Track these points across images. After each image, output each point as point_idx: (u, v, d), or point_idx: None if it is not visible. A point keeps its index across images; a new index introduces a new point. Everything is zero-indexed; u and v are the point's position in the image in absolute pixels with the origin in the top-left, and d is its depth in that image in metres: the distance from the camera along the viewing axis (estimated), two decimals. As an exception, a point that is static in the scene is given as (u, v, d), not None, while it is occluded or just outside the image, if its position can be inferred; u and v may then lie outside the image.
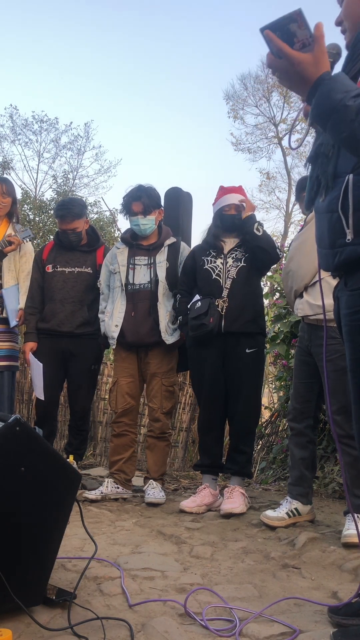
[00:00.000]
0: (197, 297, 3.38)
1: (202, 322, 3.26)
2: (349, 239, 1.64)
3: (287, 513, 2.95)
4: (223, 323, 3.26)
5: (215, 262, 3.38)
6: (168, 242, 3.61)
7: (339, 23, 1.76)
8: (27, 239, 3.86)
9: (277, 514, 2.96)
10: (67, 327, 3.72)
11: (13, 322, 3.78)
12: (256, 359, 3.31)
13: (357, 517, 2.60)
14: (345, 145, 1.52)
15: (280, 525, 2.91)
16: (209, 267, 3.39)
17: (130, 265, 3.55)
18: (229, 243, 3.40)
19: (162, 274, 3.50)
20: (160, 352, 3.51)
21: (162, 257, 3.55)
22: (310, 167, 1.76)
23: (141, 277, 3.52)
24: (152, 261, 3.54)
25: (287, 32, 1.44)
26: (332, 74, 1.50)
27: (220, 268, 3.35)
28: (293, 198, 24.71)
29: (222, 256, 3.37)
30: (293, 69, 1.46)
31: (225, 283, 3.32)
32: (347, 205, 1.62)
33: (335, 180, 1.66)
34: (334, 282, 1.91)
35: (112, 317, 3.51)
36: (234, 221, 3.38)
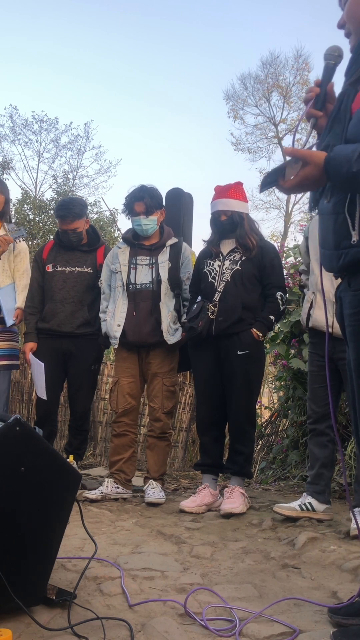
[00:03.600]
0: (198, 299, 3.39)
1: (192, 325, 3.29)
2: (354, 241, 1.64)
3: (299, 505, 2.99)
4: (214, 326, 3.27)
5: (213, 264, 3.39)
6: (170, 242, 3.61)
7: (341, 26, 1.75)
8: (21, 239, 3.84)
9: (290, 505, 3.01)
10: (68, 327, 3.72)
11: (10, 321, 3.78)
12: (249, 361, 3.29)
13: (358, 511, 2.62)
14: None
15: (291, 515, 2.96)
16: (207, 270, 3.40)
17: (132, 265, 3.55)
18: (227, 244, 3.40)
19: (164, 274, 3.50)
20: (162, 352, 3.51)
21: (164, 257, 3.55)
22: None
23: (143, 276, 3.53)
24: (154, 261, 3.55)
25: (278, 172, 1.65)
26: (335, 79, 1.58)
27: (217, 271, 3.36)
28: (293, 198, 24.75)
29: (221, 258, 3.38)
30: (306, 182, 1.63)
31: (218, 286, 3.32)
32: (354, 207, 1.63)
33: None
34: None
35: (114, 316, 3.51)
36: (224, 227, 3.39)
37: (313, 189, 1.69)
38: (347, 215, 1.64)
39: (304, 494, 3.07)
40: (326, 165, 1.57)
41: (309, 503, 2.99)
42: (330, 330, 2.96)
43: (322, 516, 2.99)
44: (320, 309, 3.04)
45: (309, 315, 3.09)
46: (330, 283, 2.96)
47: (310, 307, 3.09)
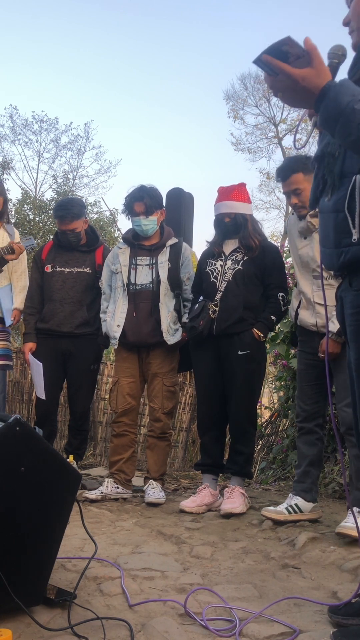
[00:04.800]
0: (200, 298, 3.40)
1: (193, 324, 3.29)
2: (354, 239, 1.64)
3: (286, 508, 2.98)
4: (215, 326, 3.27)
5: (215, 264, 3.39)
6: (170, 242, 3.61)
7: (346, 23, 1.75)
8: (30, 249, 3.86)
9: (277, 508, 3.00)
10: (67, 327, 3.72)
11: (8, 322, 3.79)
12: (250, 361, 3.29)
13: (357, 511, 2.62)
14: (352, 149, 1.55)
15: (279, 519, 2.94)
16: (209, 269, 3.40)
17: (132, 266, 3.55)
18: (230, 245, 3.41)
19: (164, 274, 3.50)
20: (162, 353, 3.51)
21: (164, 258, 3.55)
22: (316, 166, 1.76)
23: (143, 277, 3.53)
24: (154, 261, 3.55)
25: (281, 53, 1.47)
26: (338, 79, 1.52)
27: (219, 271, 3.36)
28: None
29: (223, 258, 3.38)
30: (298, 85, 1.48)
31: (220, 286, 3.32)
32: (354, 205, 1.63)
33: (341, 180, 1.66)
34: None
35: (114, 317, 3.51)
36: (228, 229, 3.39)
37: (297, 99, 1.53)
38: (347, 213, 1.64)
39: (290, 494, 3.05)
40: (328, 87, 1.47)
41: (296, 505, 2.98)
42: (315, 329, 2.99)
43: (310, 516, 2.99)
44: (305, 309, 3.06)
45: (297, 313, 3.12)
46: (308, 284, 3.00)
47: (298, 306, 3.11)
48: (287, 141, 24.83)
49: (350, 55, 1.71)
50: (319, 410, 3.05)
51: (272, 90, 1.54)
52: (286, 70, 1.46)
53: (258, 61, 1.48)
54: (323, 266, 1.83)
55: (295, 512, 2.97)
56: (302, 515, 2.97)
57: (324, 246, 1.77)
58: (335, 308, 1.87)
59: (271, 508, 3.03)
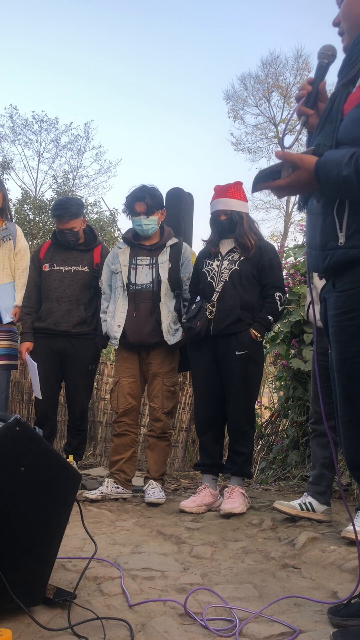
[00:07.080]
0: (197, 299, 3.39)
1: (190, 325, 3.29)
2: (341, 242, 1.64)
3: (299, 504, 2.98)
4: (212, 326, 3.27)
5: (211, 264, 3.39)
6: (170, 242, 3.61)
7: (336, 24, 1.75)
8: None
9: (290, 503, 3.01)
10: (64, 326, 3.71)
11: (7, 319, 3.78)
12: (248, 361, 3.29)
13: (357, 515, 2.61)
14: None
15: (291, 513, 2.95)
16: (206, 270, 3.40)
17: (132, 265, 3.55)
18: (226, 244, 3.41)
19: (164, 274, 3.50)
20: (162, 353, 3.51)
21: (164, 258, 3.55)
22: None
23: (143, 277, 3.53)
24: (154, 261, 3.55)
25: (270, 174, 1.66)
26: (327, 79, 1.58)
27: (215, 271, 3.36)
28: (293, 198, 24.73)
29: (219, 258, 3.38)
30: (297, 187, 1.65)
31: (217, 286, 3.32)
32: (343, 209, 1.63)
33: None
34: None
35: (115, 317, 3.51)
36: (224, 227, 3.39)
37: (305, 192, 1.70)
38: (335, 216, 1.65)
39: (305, 493, 3.07)
40: (317, 170, 1.59)
41: (309, 503, 2.99)
42: (319, 324, 2.95)
43: (320, 517, 2.99)
44: (317, 304, 3.02)
45: (308, 308, 3.11)
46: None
47: (311, 302, 3.07)
48: (287, 141, 24.80)
49: (341, 55, 1.71)
50: (331, 412, 3.02)
51: (288, 196, 1.79)
52: (277, 185, 1.65)
53: (255, 189, 1.69)
54: (308, 267, 1.84)
55: (308, 509, 2.97)
56: (314, 514, 2.98)
57: (310, 247, 1.78)
58: (320, 309, 1.87)
59: (284, 502, 3.03)
